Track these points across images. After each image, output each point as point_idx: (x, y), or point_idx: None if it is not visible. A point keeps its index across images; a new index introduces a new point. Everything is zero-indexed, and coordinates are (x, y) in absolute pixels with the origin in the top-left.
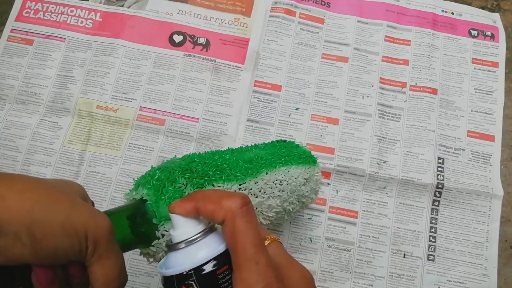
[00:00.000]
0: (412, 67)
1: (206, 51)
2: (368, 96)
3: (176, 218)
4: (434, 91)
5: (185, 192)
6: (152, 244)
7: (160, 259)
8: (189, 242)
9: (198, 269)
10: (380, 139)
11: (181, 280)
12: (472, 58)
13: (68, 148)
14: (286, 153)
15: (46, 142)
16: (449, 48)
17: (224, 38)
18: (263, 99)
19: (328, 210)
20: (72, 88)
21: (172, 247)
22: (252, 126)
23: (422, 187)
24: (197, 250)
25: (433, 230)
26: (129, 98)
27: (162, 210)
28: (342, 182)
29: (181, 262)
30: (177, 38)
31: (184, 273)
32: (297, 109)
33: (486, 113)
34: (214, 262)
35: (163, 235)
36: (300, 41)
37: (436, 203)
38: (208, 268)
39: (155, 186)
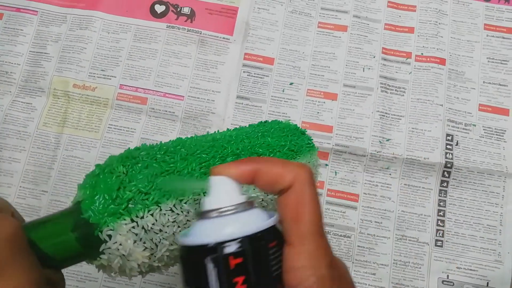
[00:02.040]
0: (418, 36)
1: (191, 22)
2: (369, 68)
3: (222, 183)
4: (442, 62)
5: (125, 180)
6: (101, 250)
7: (119, 267)
8: (236, 209)
9: (251, 238)
10: (382, 115)
11: (224, 249)
12: (485, 24)
13: (43, 131)
14: (264, 129)
15: (20, 125)
16: (459, 13)
17: (211, 7)
18: (254, 73)
19: (326, 193)
20: (46, 66)
21: (210, 213)
22: (242, 103)
23: (429, 166)
24: (246, 217)
25: (441, 213)
26: (108, 76)
27: (99, 207)
28: (341, 163)
29: (225, 230)
30: (159, 8)
31: (231, 241)
32: (291, 84)
33: (500, 85)
34: (266, 233)
35: (109, 236)
36: (294, 9)
37: (445, 184)
38: (260, 239)
39: (90, 183)
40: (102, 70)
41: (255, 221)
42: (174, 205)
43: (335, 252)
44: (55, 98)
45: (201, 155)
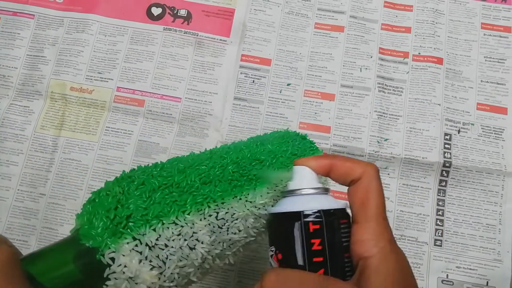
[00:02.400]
0: (415, 35)
1: (188, 24)
2: (366, 68)
3: (304, 171)
4: (439, 61)
5: (122, 199)
6: (106, 276)
7: None
8: (315, 192)
9: (327, 212)
10: (380, 115)
11: (306, 217)
12: (482, 23)
13: (40, 134)
14: (263, 138)
15: (17, 128)
16: (456, 13)
17: (207, 9)
18: (251, 74)
19: None
20: (44, 69)
21: (295, 191)
22: (239, 104)
23: (428, 166)
24: (323, 198)
25: (440, 212)
26: (105, 78)
27: (98, 230)
28: None
29: (308, 203)
30: (156, 11)
31: (311, 212)
32: (288, 84)
33: (498, 83)
34: (338, 211)
35: (113, 260)
36: (291, 10)
37: (443, 184)
38: (333, 214)
39: (87, 209)
40: (99, 73)
41: (330, 202)
42: (176, 217)
43: None
44: (53, 101)
45: (200, 167)
